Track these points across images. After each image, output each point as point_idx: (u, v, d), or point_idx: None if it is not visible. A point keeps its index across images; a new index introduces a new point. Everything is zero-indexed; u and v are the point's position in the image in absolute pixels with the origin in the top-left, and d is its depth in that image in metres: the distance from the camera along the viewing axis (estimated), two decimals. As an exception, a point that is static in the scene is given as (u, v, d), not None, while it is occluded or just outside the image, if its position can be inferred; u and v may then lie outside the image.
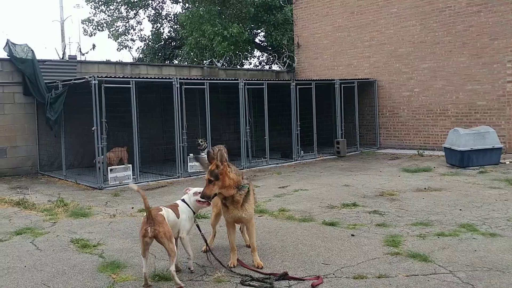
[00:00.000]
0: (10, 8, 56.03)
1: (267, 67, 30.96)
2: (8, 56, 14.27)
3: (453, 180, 11.23)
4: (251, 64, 31.96)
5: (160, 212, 5.11)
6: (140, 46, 33.30)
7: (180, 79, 13.28)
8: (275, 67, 26.63)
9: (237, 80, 14.56)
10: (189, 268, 5.48)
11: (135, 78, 12.77)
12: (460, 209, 8.19)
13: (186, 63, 24.87)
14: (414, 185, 10.75)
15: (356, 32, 18.79)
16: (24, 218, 8.40)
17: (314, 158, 16.18)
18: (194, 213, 5.59)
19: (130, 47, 32.83)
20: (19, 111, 14.39)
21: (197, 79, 14.56)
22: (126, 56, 54.76)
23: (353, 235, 6.74)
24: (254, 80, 16.03)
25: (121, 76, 13.46)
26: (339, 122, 17.05)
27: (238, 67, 20.29)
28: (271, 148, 16.29)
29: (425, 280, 5.06)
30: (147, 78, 14.37)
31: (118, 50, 32.76)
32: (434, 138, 16.94)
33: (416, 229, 7.02)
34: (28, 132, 14.52)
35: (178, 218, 5.34)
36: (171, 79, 13.19)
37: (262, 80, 15.26)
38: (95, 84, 11.67)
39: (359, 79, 18.16)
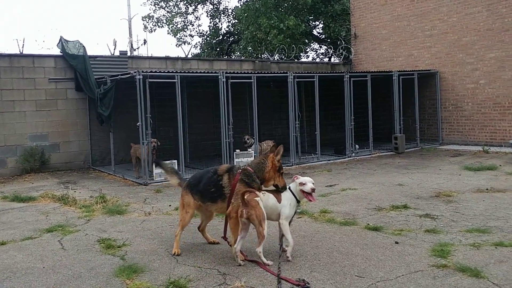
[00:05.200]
0: (81, 7, 58.04)
1: (326, 60, 30.15)
2: (61, 52, 14.46)
3: (520, 180, 10.22)
4: (308, 57, 31.29)
5: (256, 198, 5.46)
6: (199, 42, 33.36)
7: (226, 73, 12.92)
8: (334, 60, 25.84)
9: (287, 73, 14.02)
10: (287, 256, 5.54)
11: (179, 72, 12.50)
12: (525, 214, 7.32)
13: (237, 58, 24.53)
14: (475, 185, 9.85)
15: (416, 21, 17.73)
16: (61, 215, 8.31)
17: (370, 154, 15.39)
18: (298, 201, 5.74)
19: (189, 42, 32.93)
20: (72, 107, 14.54)
21: (245, 73, 14.13)
22: (184, 52, 55.16)
23: (397, 243, 6.08)
24: (305, 73, 15.37)
25: (169, 71, 13.26)
26: (398, 116, 16.14)
27: (295, 60, 19.68)
28: (325, 143, 15.66)
29: (473, 299, 4.38)
30: (192, 72, 14.09)
31: (177, 46, 32.89)
32: (502, 133, 15.67)
33: (470, 237, 6.26)
34: (81, 127, 14.66)
35: (280, 203, 5.63)
36: (217, 73, 12.85)
37: (313, 73, 14.60)
38: (139, 79, 11.51)
39: (419, 70, 17.12)
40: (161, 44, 52.11)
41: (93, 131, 14.70)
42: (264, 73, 14.72)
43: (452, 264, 5.26)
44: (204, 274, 5.17)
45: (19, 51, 13.98)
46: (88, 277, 5.18)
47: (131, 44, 17.03)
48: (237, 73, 13.87)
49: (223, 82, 12.67)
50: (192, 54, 30.85)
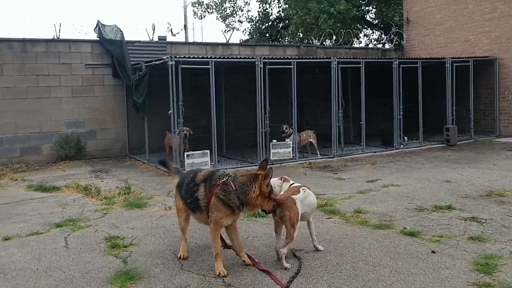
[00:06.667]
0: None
1: (379, 46, 28.81)
2: (98, 37, 14.19)
3: None
4: (361, 43, 30.01)
5: (293, 196, 4.95)
6: (247, 27, 32.71)
7: (264, 58, 12.23)
8: (388, 46, 24.59)
9: (330, 58, 13.16)
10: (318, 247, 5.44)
11: (213, 58, 11.92)
12: None
13: (280, 43, 23.66)
14: (534, 184, 8.80)
15: (475, 3, 16.36)
16: (78, 207, 7.93)
17: (419, 146, 14.35)
18: None
19: (238, 28, 32.35)
20: (109, 93, 14.28)
21: (285, 59, 13.37)
22: (234, 38, 54.25)
23: (434, 252, 5.28)
24: (351, 58, 14.44)
25: (204, 57, 12.69)
26: (450, 106, 14.96)
27: (343, 45, 18.64)
28: (373, 134, 14.80)
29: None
30: (227, 58, 13.45)
31: (226, 32, 32.33)
32: None
33: (523, 248, 5.38)
34: (118, 114, 14.39)
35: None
36: (254, 58, 12.18)
37: (359, 59, 13.67)
38: (172, 65, 11.01)
39: (475, 57, 15.80)
40: (211, 30, 51.54)
41: (130, 119, 14.38)
42: (305, 58, 13.89)
43: (497, 283, 4.43)
44: (206, 284, 4.58)
45: (56, 35, 13.80)
46: (79, 283, 4.68)
47: (171, 30, 16.38)
48: (277, 58, 13.11)
49: (261, 68, 12.00)
50: (241, 40, 30.25)
